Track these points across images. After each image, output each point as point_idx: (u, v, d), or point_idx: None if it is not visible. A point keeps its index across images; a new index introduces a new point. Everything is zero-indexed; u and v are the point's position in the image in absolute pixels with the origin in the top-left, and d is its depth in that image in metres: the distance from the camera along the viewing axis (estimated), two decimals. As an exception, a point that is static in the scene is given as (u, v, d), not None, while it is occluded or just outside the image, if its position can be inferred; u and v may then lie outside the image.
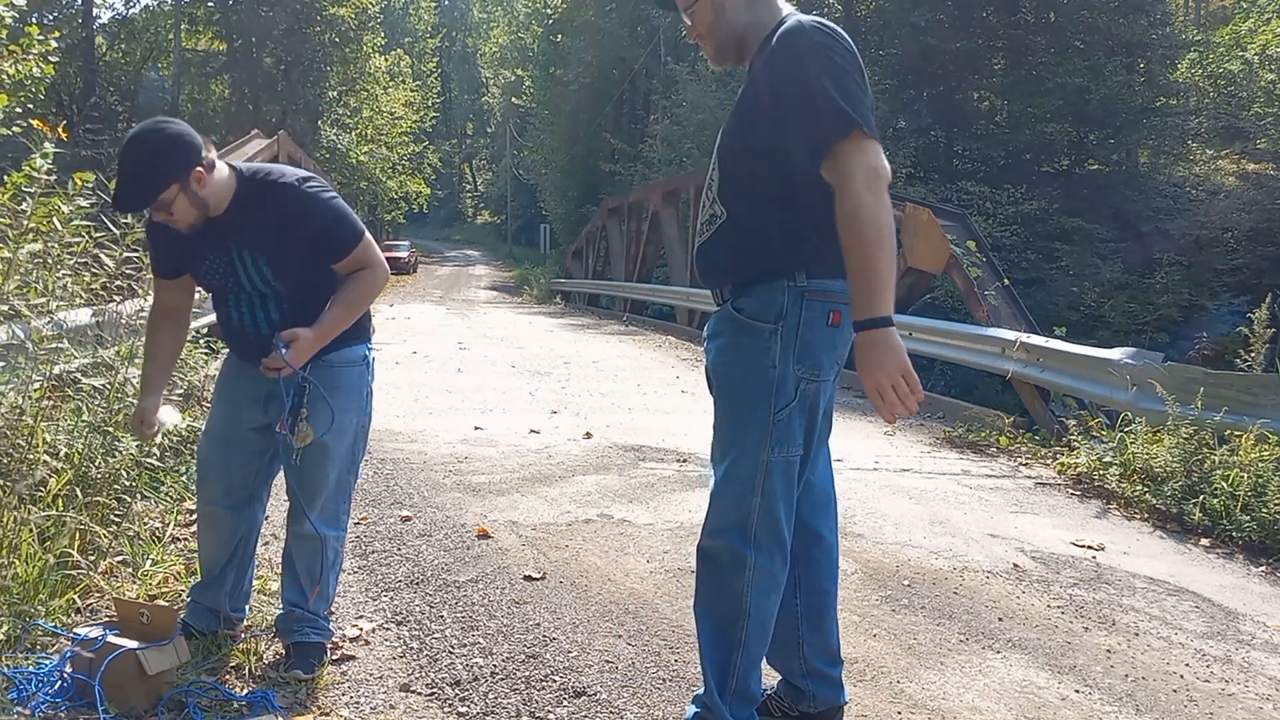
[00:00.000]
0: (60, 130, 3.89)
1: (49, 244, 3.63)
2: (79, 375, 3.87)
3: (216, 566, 2.79)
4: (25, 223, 3.56)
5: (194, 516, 3.94)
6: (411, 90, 42.84)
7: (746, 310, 2.15)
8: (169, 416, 2.81)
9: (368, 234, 2.60)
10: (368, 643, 2.90)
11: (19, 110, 4.68)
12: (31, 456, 3.17)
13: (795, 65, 2.04)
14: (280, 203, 2.50)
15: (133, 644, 2.38)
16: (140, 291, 4.22)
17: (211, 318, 7.58)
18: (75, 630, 2.65)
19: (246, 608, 2.91)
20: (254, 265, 2.53)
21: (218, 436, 2.75)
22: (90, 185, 3.76)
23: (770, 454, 2.13)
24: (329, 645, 2.76)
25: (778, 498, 2.15)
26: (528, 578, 3.48)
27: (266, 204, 2.50)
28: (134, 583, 3.19)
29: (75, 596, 2.95)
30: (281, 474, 2.77)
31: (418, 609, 3.18)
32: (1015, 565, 3.91)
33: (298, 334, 2.48)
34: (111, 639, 2.41)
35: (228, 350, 2.81)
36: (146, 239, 2.75)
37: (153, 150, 2.35)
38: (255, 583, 3.20)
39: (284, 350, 2.47)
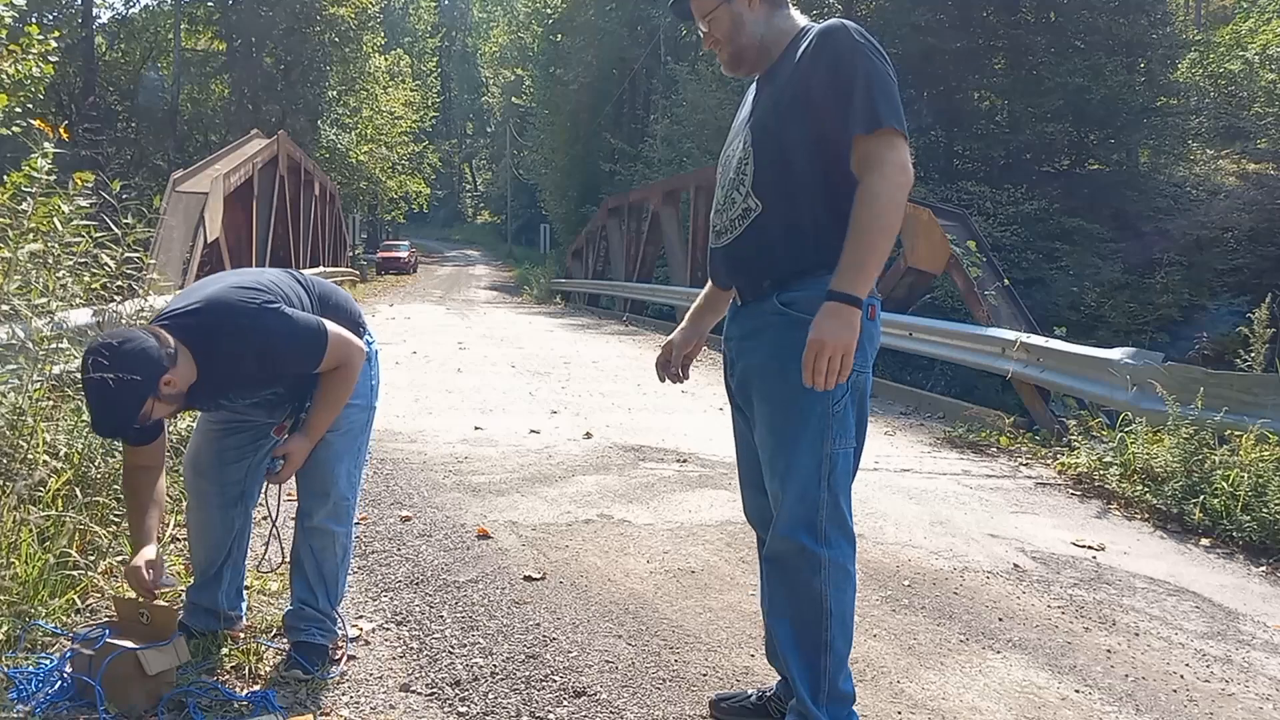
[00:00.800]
0: (62, 130, 3.89)
1: (49, 244, 3.63)
2: (77, 376, 3.87)
3: (212, 566, 2.78)
4: (25, 223, 3.56)
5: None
6: (411, 90, 42.85)
7: (798, 305, 2.14)
8: (167, 578, 2.65)
9: (329, 329, 2.48)
10: (368, 643, 2.90)
11: (19, 110, 4.68)
12: (31, 456, 3.17)
13: (841, 60, 2.10)
14: (239, 357, 2.42)
15: (133, 644, 2.38)
16: (140, 291, 4.23)
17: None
18: (75, 630, 2.64)
19: (243, 606, 2.91)
20: (241, 400, 2.59)
21: (214, 432, 2.74)
22: (90, 185, 3.76)
23: (832, 447, 2.13)
24: (331, 647, 2.76)
25: (841, 490, 2.15)
26: (528, 578, 3.48)
27: (232, 363, 2.42)
28: (134, 583, 3.19)
29: (75, 596, 2.95)
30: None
31: (418, 609, 3.18)
32: (1015, 565, 3.91)
33: (290, 450, 2.53)
34: (111, 639, 2.40)
35: None
36: None
37: (115, 383, 2.22)
38: (255, 583, 3.21)
39: (278, 467, 2.54)
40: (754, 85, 2.37)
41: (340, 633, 2.84)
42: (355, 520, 2.91)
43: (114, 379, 2.21)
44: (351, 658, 2.78)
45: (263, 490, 2.88)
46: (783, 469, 2.16)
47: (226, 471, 2.73)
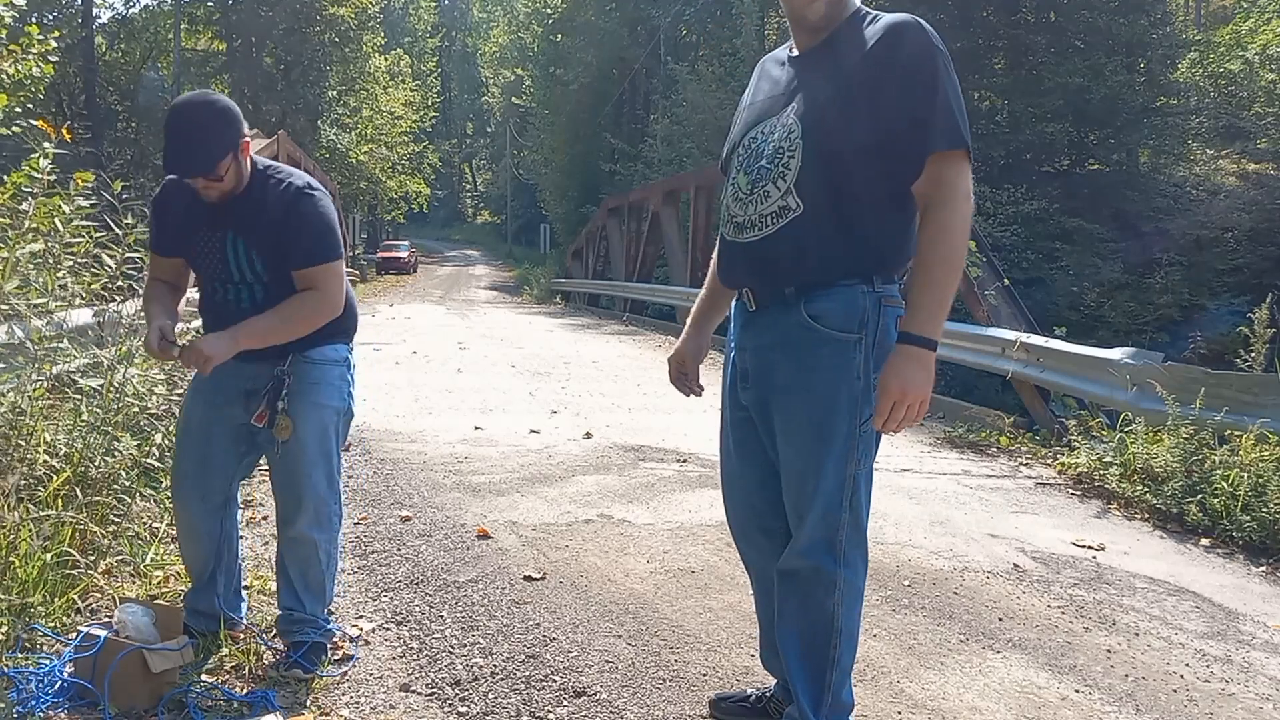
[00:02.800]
0: (64, 131, 3.89)
1: (49, 244, 3.63)
2: (76, 376, 3.86)
3: (206, 571, 2.77)
4: (26, 223, 3.56)
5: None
6: (411, 90, 42.82)
7: (827, 320, 2.04)
8: None
9: (341, 264, 2.56)
10: (368, 643, 2.90)
11: (19, 110, 4.68)
12: (31, 456, 3.17)
13: (923, 66, 1.96)
14: (280, 203, 2.50)
15: (138, 643, 2.39)
16: (140, 291, 4.22)
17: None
18: (79, 628, 2.65)
19: (242, 606, 2.91)
20: (245, 255, 2.53)
21: (196, 436, 2.68)
22: (90, 185, 3.76)
23: (857, 468, 2.07)
24: (329, 645, 2.76)
25: (863, 508, 2.11)
26: (528, 578, 3.48)
27: (268, 201, 2.50)
28: (134, 582, 3.19)
29: (75, 596, 2.95)
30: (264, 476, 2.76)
31: (418, 609, 3.18)
32: (1015, 565, 3.91)
33: (205, 343, 2.43)
34: (114, 638, 2.41)
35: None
36: (150, 214, 2.71)
37: (213, 118, 2.39)
38: (255, 583, 3.21)
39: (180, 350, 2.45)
40: (786, 63, 2.18)
41: (338, 630, 2.84)
42: (355, 521, 2.91)
43: (213, 113, 2.38)
44: (351, 658, 2.78)
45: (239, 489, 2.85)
46: (811, 490, 2.09)
47: (209, 480, 2.68)
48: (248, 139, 2.44)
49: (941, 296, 1.97)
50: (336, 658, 2.76)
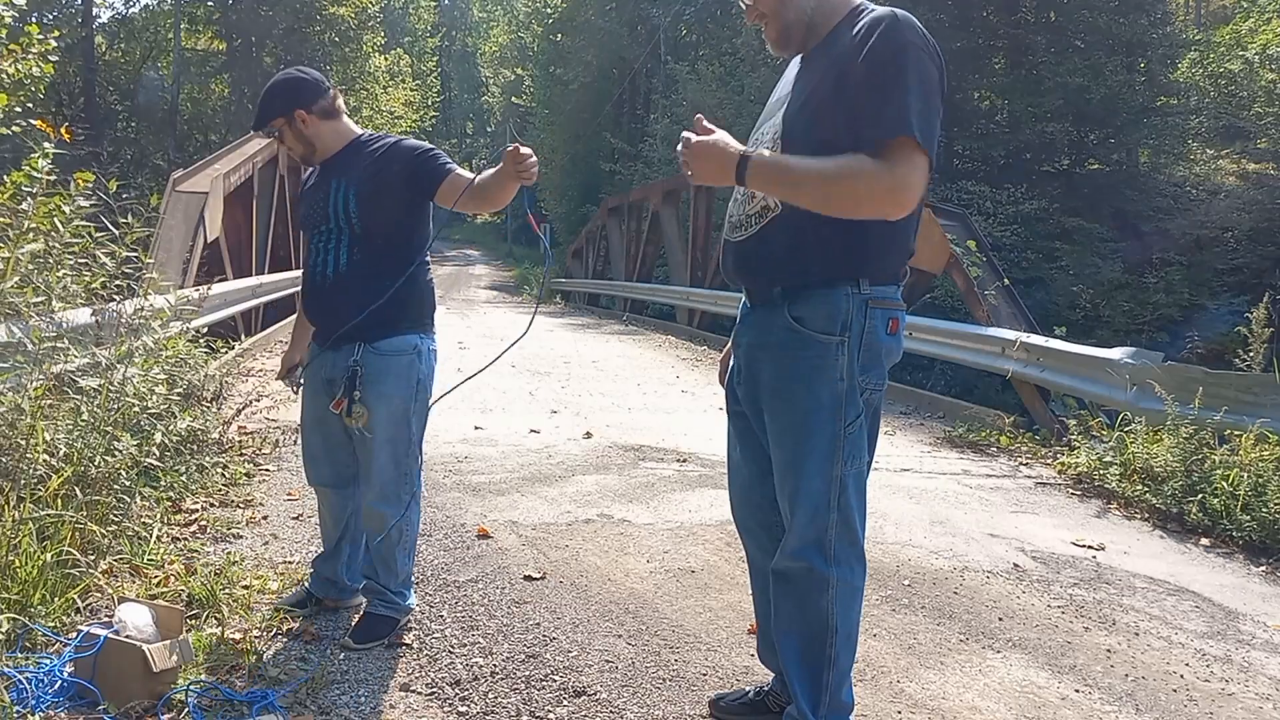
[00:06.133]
0: (64, 131, 3.89)
1: (49, 244, 3.62)
2: (76, 376, 3.86)
3: (332, 540, 3.08)
4: (25, 223, 3.56)
5: (194, 516, 3.97)
6: (411, 90, 42.78)
7: (808, 322, 2.04)
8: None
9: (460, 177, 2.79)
10: (368, 642, 2.90)
11: (19, 110, 4.68)
12: (31, 456, 3.16)
13: (885, 59, 1.92)
14: (386, 144, 2.87)
15: (138, 640, 2.39)
16: (140, 291, 4.22)
17: (212, 317, 7.51)
18: (79, 627, 2.65)
19: (363, 579, 3.07)
20: (343, 197, 2.78)
21: (309, 422, 3.01)
22: (90, 186, 3.76)
23: (843, 468, 2.06)
24: (399, 620, 2.93)
25: (853, 509, 2.10)
26: (528, 578, 3.48)
27: (373, 146, 2.87)
28: (134, 582, 3.19)
29: (75, 596, 2.95)
30: None
31: (418, 609, 3.17)
32: (1015, 565, 3.91)
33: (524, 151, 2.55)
34: (114, 638, 2.41)
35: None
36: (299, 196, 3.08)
37: (274, 87, 2.88)
38: (255, 582, 3.21)
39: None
40: (797, 61, 2.19)
41: (408, 606, 2.98)
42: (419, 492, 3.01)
43: (274, 84, 2.88)
44: (403, 644, 2.79)
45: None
46: (792, 490, 2.10)
47: (336, 456, 2.96)
48: (304, 111, 2.82)
49: (792, 171, 1.92)
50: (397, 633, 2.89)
